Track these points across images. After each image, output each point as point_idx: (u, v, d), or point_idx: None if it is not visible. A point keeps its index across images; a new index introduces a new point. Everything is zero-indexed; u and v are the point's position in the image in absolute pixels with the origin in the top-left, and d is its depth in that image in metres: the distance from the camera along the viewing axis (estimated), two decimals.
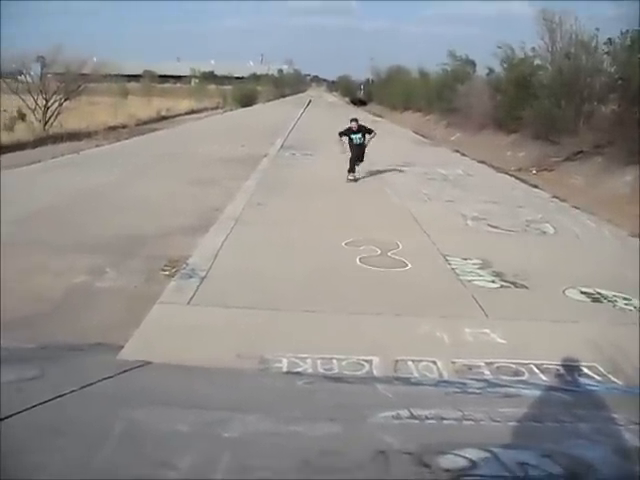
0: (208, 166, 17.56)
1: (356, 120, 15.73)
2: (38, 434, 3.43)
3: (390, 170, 17.70)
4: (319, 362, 5.45)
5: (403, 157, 20.47)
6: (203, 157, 19.52)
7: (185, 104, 54.47)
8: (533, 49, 23.39)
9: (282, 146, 23.53)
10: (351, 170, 15.42)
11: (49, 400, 3.96)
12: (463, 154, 23.33)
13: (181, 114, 47.36)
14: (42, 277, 7.71)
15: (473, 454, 3.46)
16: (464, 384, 5.11)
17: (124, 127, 32.41)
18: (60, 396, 4.11)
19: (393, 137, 29.81)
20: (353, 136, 15.34)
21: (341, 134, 15.52)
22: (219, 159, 19.01)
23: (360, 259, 8.47)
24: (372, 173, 16.89)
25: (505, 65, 25.97)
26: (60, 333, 6.20)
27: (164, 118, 42.06)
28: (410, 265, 8.33)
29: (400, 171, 17.74)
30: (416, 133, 34.33)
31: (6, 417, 3.54)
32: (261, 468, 2.91)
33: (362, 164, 16.05)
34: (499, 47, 25.58)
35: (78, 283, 7.62)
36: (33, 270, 7.92)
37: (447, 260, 8.63)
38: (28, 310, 6.67)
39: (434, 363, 5.51)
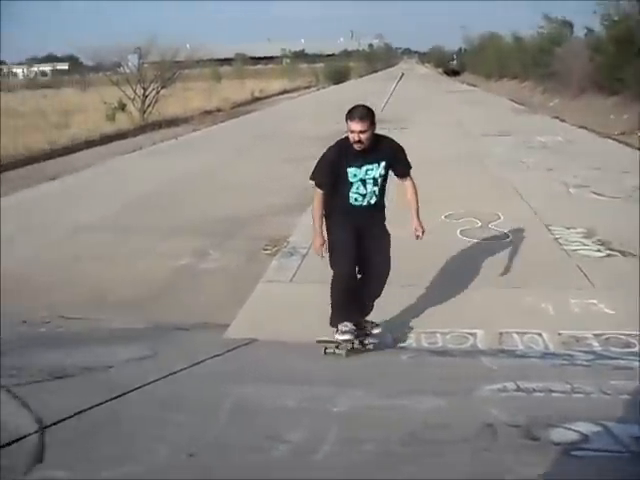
0: (303, 144, 17.67)
1: (362, 114, 5.01)
2: (156, 409, 3.60)
3: (487, 140, 17.34)
4: (423, 336, 5.46)
5: (500, 126, 20.01)
6: (298, 136, 19.66)
7: (278, 84, 54.84)
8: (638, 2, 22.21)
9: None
10: (341, 322, 5.16)
11: (163, 377, 4.13)
12: (562, 120, 22.56)
13: (274, 94, 47.73)
14: (149, 260, 7.99)
15: (584, 427, 3.38)
16: (571, 356, 5.00)
17: (219, 110, 32.96)
18: (173, 374, 4.28)
19: (488, 106, 29.20)
20: (355, 176, 5.12)
21: (317, 177, 5.20)
22: (313, 137, 19.07)
23: (460, 232, 8.37)
24: (469, 143, 16.60)
25: (606, 23, 24.81)
26: (168, 314, 6.43)
27: (258, 99, 42.50)
28: (512, 236, 8.16)
29: (498, 140, 17.34)
30: (512, 101, 33.40)
31: (125, 393, 3.72)
32: (368, 441, 2.95)
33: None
34: (599, 4, 24.42)
35: (183, 265, 7.86)
36: (140, 254, 8.22)
37: (550, 230, 8.41)
38: (137, 292, 6.95)
39: (539, 335, 5.42)
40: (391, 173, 5.31)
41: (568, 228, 8.44)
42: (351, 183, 5.16)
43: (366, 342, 5.31)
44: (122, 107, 28.58)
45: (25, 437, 2.98)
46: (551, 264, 7.17)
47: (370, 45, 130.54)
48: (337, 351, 5.12)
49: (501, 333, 5.48)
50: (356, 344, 5.23)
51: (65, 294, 6.95)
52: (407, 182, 5.53)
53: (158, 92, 29.42)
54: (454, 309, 5.99)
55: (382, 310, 5.91)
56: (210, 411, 3.49)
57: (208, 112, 31.69)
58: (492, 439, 3.12)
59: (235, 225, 9.39)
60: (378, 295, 5.37)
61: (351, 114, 5.10)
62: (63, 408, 3.43)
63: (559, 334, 5.42)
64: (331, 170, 5.16)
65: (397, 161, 5.38)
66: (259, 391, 3.90)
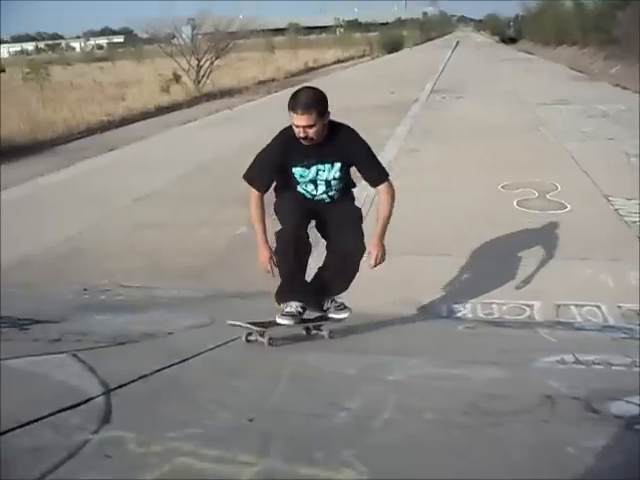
0: (358, 114, 17.54)
1: (307, 104, 4.03)
2: (216, 375, 3.68)
3: (545, 109, 17.00)
4: (479, 307, 5.44)
5: (558, 95, 19.57)
6: (353, 106, 19.51)
7: (331, 54, 54.53)
8: None
9: (432, 90, 23.14)
10: (286, 301, 4.37)
11: (222, 344, 4.21)
12: (624, 87, 21.91)
13: (328, 64, 47.49)
14: (206, 230, 8.09)
15: None
16: (632, 330, 4.91)
17: (273, 81, 32.97)
18: (231, 340, 4.35)
19: (546, 74, 28.60)
20: (302, 177, 4.26)
21: (251, 176, 4.43)
22: (369, 107, 18.97)
23: (517, 202, 8.27)
24: (525, 113, 16.32)
25: None
26: (225, 282, 6.51)
27: (312, 69, 42.37)
28: (570, 207, 8.02)
29: (555, 109, 16.98)
30: (571, 69, 32.60)
31: (186, 359, 3.81)
32: (428, 409, 2.97)
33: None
34: None
35: (239, 234, 7.93)
36: (197, 223, 8.33)
37: (609, 201, 8.23)
38: (195, 261, 7.05)
39: (598, 308, 5.34)
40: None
41: (629, 199, 8.24)
42: (298, 182, 4.29)
43: (321, 329, 4.49)
44: (177, 79, 28.83)
45: (92, 399, 3.09)
46: (611, 236, 7.03)
47: (424, 13, 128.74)
48: (260, 339, 4.22)
49: (558, 305, 5.42)
50: (306, 328, 4.48)
51: (124, 263, 7.09)
52: (381, 191, 4.35)
53: (212, 63, 29.56)
54: (510, 280, 5.94)
55: (438, 280, 5.91)
56: (269, 378, 3.56)
57: (262, 82, 31.75)
58: (552, 411, 3.11)
59: None
60: (346, 276, 4.46)
61: (293, 103, 4.06)
62: (127, 372, 3.53)
63: (619, 307, 5.33)
64: (270, 170, 4.30)
65: (360, 163, 4.28)
66: (317, 359, 3.95)
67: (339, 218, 4.31)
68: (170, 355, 3.89)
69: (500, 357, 4.17)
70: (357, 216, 4.41)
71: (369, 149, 4.32)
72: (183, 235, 7.92)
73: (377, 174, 4.34)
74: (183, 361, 3.79)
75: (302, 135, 4.05)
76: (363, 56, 58.12)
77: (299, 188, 4.32)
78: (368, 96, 21.65)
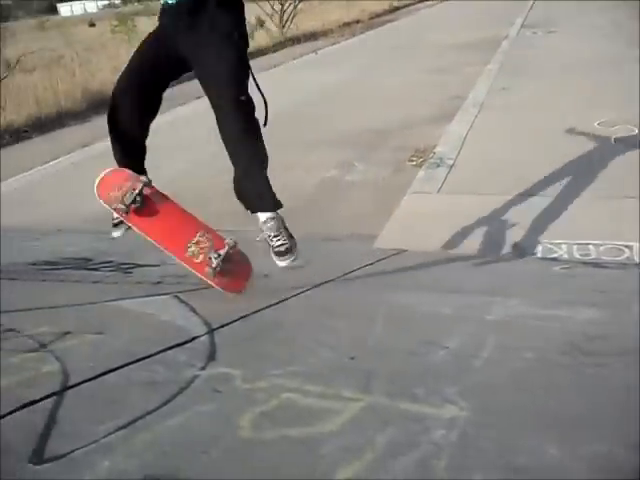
0: (445, 53, 17.18)
1: None
2: (314, 314, 3.75)
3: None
4: (575, 247, 5.32)
5: None
6: (439, 45, 19.10)
7: None
8: None
9: (522, 25, 22.30)
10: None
11: (318, 285, 4.27)
12: None
13: (413, 3, 46.23)
14: (295, 173, 8.15)
15: None
16: None
17: (358, 22, 32.36)
18: (327, 282, 4.41)
19: None
20: None
21: None
22: (456, 45, 18.49)
23: (615, 139, 7.97)
24: (623, 45, 15.55)
25: None
26: (316, 225, 6.57)
27: (397, 9, 41.37)
28: None
29: None
30: None
31: (284, 299, 3.88)
32: (527, 349, 2.94)
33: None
34: None
35: (329, 177, 7.97)
36: (286, 167, 8.39)
37: None
38: (287, 204, 7.11)
39: None
40: None
41: None
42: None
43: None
44: (260, 24, 28.67)
45: (197, 337, 3.20)
46: None
47: None
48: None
49: None
50: None
51: (216, 207, 7.22)
52: None
53: (296, 6, 29.25)
54: (608, 220, 5.77)
55: (533, 220, 5.80)
56: (365, 317, 3.59)
57: (347, 24, 31.22)
58: None
59: (379, 136, 9.39)
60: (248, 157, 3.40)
61: None
62: (227, 313, 3.63)
63: None
64: None
65: None
66: (413, 299, 3.96)
67: (206, 64, 3.34)
68: (266, 296, 3.97)
69: (599, 298, 4.08)
70: (236, 62, 3.31)
71: None
72: (274, 178, 7.97)
73: None
74: (281, 302, 3.87)
75: None
76: None
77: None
78: (456, 34, 21.07)
